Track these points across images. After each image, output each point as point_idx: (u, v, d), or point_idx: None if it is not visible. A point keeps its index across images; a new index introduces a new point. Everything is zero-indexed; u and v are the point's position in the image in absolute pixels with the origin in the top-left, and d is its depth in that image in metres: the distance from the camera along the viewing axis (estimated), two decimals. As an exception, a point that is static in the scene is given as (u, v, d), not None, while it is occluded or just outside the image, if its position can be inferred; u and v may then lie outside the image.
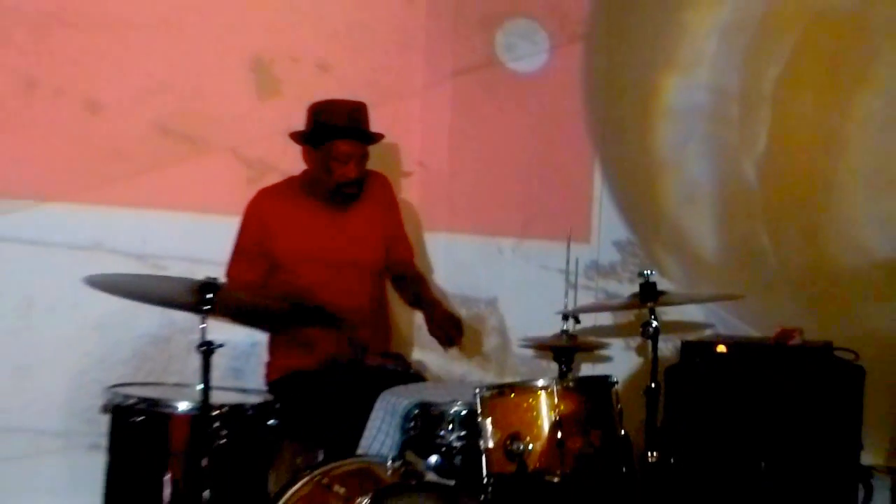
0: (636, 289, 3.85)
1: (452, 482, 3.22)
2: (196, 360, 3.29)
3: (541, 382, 3.44)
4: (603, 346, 4.74)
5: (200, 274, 3.34)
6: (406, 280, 4.33)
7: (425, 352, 4.45)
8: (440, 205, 4.91)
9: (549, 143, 5.11)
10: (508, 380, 4.32)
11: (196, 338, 3.28)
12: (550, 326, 4.32)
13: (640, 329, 3.81)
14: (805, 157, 4.92)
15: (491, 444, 3.32)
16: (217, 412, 3.40)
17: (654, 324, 3.77)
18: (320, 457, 3.74)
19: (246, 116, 4.56)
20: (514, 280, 5.04)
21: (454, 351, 4.05)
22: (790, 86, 4.86)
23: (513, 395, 3.42)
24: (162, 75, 4.41)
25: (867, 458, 4.52)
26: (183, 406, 3.48)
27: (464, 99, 4.98)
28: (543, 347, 4.49)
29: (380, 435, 3.48)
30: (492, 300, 5.03)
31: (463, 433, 3.40)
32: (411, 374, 4.11)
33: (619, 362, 4.87)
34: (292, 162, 4.27)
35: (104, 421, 3.57)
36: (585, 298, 4.97)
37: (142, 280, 3.57)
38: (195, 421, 3.40)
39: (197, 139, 4.48)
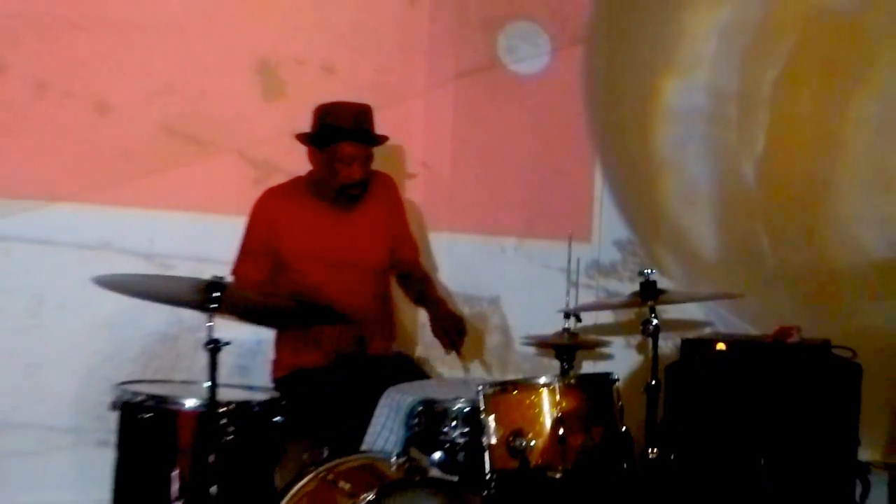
0: (637, 287, 3.85)
1: (456, 478, 3.23)
2: (203, 358, 3.30)
3: (543, 380, 3.44)
4: (604, 343, 4.74)
5: (207, 273, 3.35)
6: (411, 279, 4.34)
7: (429, 349, 4.45)
8: (443, 205, 4.91)
9: (550, 143, 5.12)
10: (511, 377, 4.32)
11: (203, 336, 3.29)
12: (552, 325, 4.31)
13: (641, 327, 3.81)
14: (803, 158, 4.92)
15: (494, 441, 3.32)
16: (224, 409, 3.41)
17: (655, 322, 3.76)
18: (326, 453, 3.74)
19: (252, 118, 4.56)
20: (516, 279, 5.05)
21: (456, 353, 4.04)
22: (788, 88, 4.86)
23: (515, 392, 3.42)
24: (169, 77, 4.41)
25: (865, 454, 4.52)
26: (190, 403, 3.49)
27: (466, 100, 4.98)
28: (545, 345, 4.50)
29: (384, 431, 3.49)
30: (494, 299, 5.03)
31: (466, 430, 3.41)
32: (416, 371, 4.13)
33: (620, 360, 4.88)
34: (297, 163, 4.27)
35: (113, 418, 3.57)
36: (586, 297, 4.98)
37: (150, 280, 3.58)
38: (202, 418, 3.41)
39: (203, 140, 4.48)
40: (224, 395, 3.41)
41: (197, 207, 4.43)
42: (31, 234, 4.20)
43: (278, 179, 4.39)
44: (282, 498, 3.25)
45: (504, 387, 3.43)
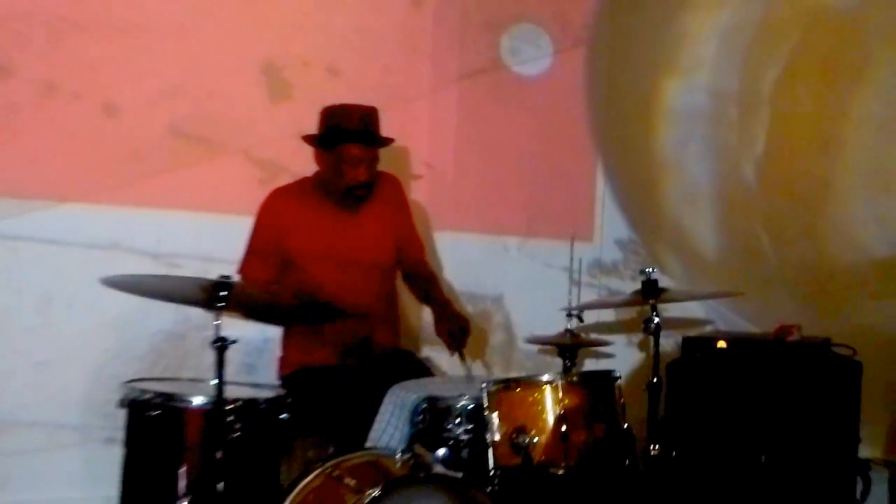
0: (638, 286, 3.85)
1: (460, 474, 3.23)
2: (210, 356, 3.30)
3: (546, 377, 3.45)
4: (606, 342, 4.73)
5: (214, 272, 3.35)
6: (417, 278, 4.33)
7: (434, 348, 4.44)
8: (447, 204, 4.91)
9: (552, 144, 5.12)
10: (514, 374, 4.31)
11: (210, 334, 3.28)
12: (554, 323, 4.32)
13: (642, 325, 3.81)
14: (803, 158, 4.91)
15: (497, 437, 3.32)
16: (231, 406, 3.40)
17: (656, 320, 3.76)
18: (331, 450, 3.74)
19: (258, 119, 4.56)
20: (519, 278, 5.05)
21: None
22: (788, 88, 4.86)
23: (518, 389, 3.42)
24: (177, 79, 4.40)
25: (865, 452, 4.52)
26: (197, 400, 3.47)
27: (470, 102, 4.97)
28: (548, 344, 4.49)
29: (389, 428, 3.49)
30: (497, 297, 5.03)
31: (470, 426, 3.41)
32: (420, 369, 4.13)
33: (622, 358, 4.88)
34: (303, 163, 4.27)
35: (121, 415, 3.56)
36: (589, 295, 5.00)
37: (158, 280, 3.58)
38: (209, 415, 3.40)
39: (210, 141, 4.48)
40: (231, 392, 3.40)
41: (204, 207, 4.42)
42: (39, 234, 4.20)
43: (284, 180, 4.39)
44: (288, 494, 3.24)
45: (507, 384, 3.43)
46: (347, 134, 4.08)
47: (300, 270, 4.11)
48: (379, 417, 3.53)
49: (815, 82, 4.84)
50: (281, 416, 3.57)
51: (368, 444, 3.50)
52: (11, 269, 4.17)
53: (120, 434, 3.58)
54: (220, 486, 3.28)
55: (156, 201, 4.36)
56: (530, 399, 3.40)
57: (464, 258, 4.91)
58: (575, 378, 3.52)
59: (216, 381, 3.28)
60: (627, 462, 3.50)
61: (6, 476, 4.09)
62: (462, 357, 3.93)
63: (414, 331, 4.71)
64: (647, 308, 3.79)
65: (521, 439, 3.31)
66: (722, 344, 4.47)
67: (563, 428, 3.36)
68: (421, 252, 4.44)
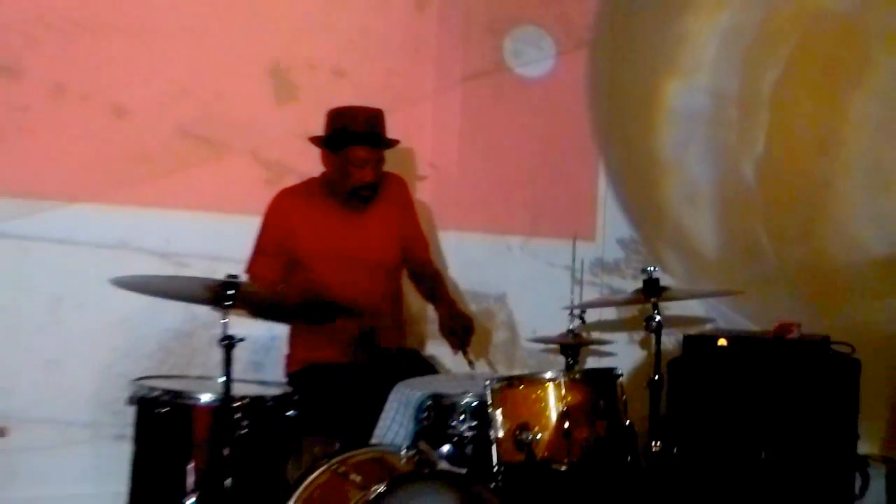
0: (640, 285, 3.84)
1: (464, 470, 3.22)
2: (218, 354, 3.30)
3: (549, 375, 3.45)
4: (608, 341, 4.73)
5: (221, 270, 3.36)
6: (423, 276, 4.34)
7: (438, 346, 4.44)
8: (451, 204, 4.91)
9: (555, 145, 5.11)
10: (517, 372, 4.30)
11: (218, 332, 3.29)
12: (557, 321, 4.31)
13: (644, 323, 3.81)
14: (802, 158, 4.91)
15: (501, 434, 3.32)
16: (238, 403, 3.41)
17: (657, 318, 3.76)
18: (337, 446, 3.74)
19: (265, 120, 4.56)
20: (522, 276, 5.04)
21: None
22: (788, 89, 4.85)
23: (522, 386, 3.42)
24: (184, 81, 4.40)
25: (863, 448, 4.52)
26: (205, 398, 3.48)
27: (473, 103, 4.97)
28: (551, 342, 4.49)
29: (394, 425, 3.49)
30: (501, 296, 5.03)
31: (474, 423, 3.41)
32: (425, 366, 4.13)
33: (624, 355, 4.88)
34: (309, 164, 4.27)
35: (130, 412, 3.57)
36: (591, 294, 4.99)
37: (166, 280, 3.59)
38: (217, 412, 3.40)
39: (218, 142, 4.48)
40: (238, 389, 3.40)
41: (211, 207, 4.42)
42: (49, 234, 4.20)
43: (290, 180, 4.39)
44: (294, 490, 3.24)
45: (511, 382, 3.43)
46: (354, 136, 4.08)
47: (307, 270, 4.11)
48: (384, 414, 3.53)
49: (815, 84, 4.84)
50: (287, 413, 3.57)
51: (374, 440, 3.50)
52: (22, 269, 4.18)
53: (129, 431, 3.59)
54: (228, 482, 3.29)
55: (164, 201, 4.36)
56: (533, 396, 3.40)
57: (468, 257, 4.91)
58: (577, 376, 3.52)
59: (224, 378, 3.29)
60: (629, 458, 3.50)
61: (18, 472, 4.09)
62: (466, 355, 3.93)
63: (419, 329, 4.70)
64: (649, 306, 3.79)
65: (524, 436, 3.31)
66: (722, 342, 4.46)
67: (566, 425, 3.36)
68: (426, 251, 4.44)
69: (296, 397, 3.63)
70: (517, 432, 3.32)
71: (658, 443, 3.70)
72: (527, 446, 3.30)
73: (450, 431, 3.42)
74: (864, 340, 4.46)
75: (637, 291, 3.87)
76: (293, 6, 4.61)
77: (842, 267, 4.87)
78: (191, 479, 3.43)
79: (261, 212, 4.15)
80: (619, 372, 3.58)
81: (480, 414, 3.39)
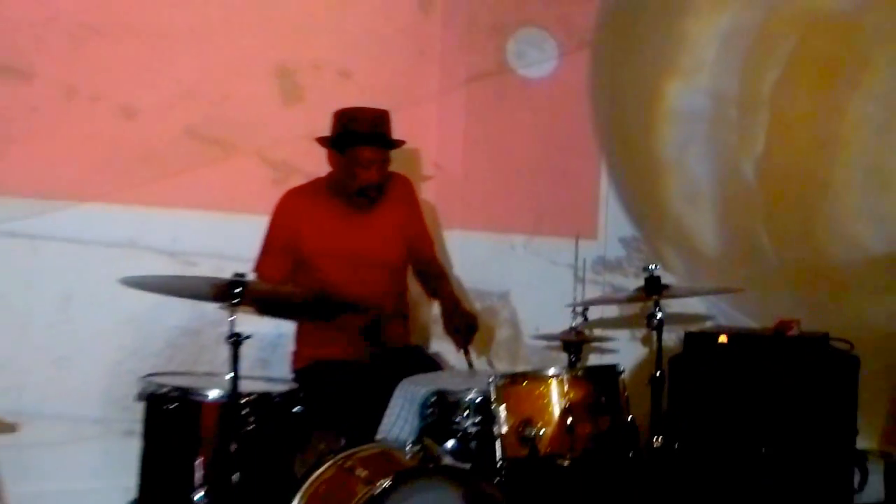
0: (641, 282, 3.84)
1: (468, 466, 3.23)
2: (225, 351, 3.31)
3: (552, 371, 3.45)
4: (610, 338, 4.73)
5: (229, 269, 3.37)
6: (428, 275, 4.34)
7: (443, 343, 4.44)
8: (455, 204, 4.90)
9: (557, 145, 5.11)
10: (521, 369, 4.31)
11: (225, 330, 3.29)
12: (560, 319, 4.31)
13: (646, 321, 3.81)
14: (802, 158, 4.89)
15: (504, 430, 3.32)
16: (245, 400, 3.40)
17: (659, 316, 3.76)
18: (343, 442, 3.73)
19: (271, 121, 4.56)
20: (525, 275, 5.04)
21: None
22: (787, 90, 4.83)
23: (525, 383, 3.42)
24: (192, 82, 4.40)
25: (862, 443, 4.51)
26: (213, 394, 3.47)
27: (477, 104, 4.97)
28: (554, 339, 4.49)
29: (399, 421, 3.48)
30: (504, 294, 5.02)
31: (478, 419, 3.41)
32: (430, 363, 4.12)
33: (626, 352, 4.87)
34: (315, 164, 4.28)
35: (139, 408, 3.57)
36: (593, 292, 4.99)
37: (175, 279, 3.59)
38: (225, 408, 3.40)
39: (225, 142, 4.48)
40: (245, 386, 3.40)
41: (219, 207, 4.42)
42: (59, 233, 4.20)
43: (297, 180, 4.39)
44: (301, 485, 3.25)
45: (514, 378, 3.44)
46: (360, 137, 4.07)
47: (313, 268, 4.11)
48: (389, 411, 3.53)
49: (814, 84, 4.82)
50: (294, 410, 3.56)
51: (379, 436, 3.50)
52: (32, 268, 4.18)
53: (138, 427, 3.59)
54: (235, 477, 3.29)
55: (172, 201, 4.36)
56: (537, 393, 3.40)
57: (472, 256, 4.90)
58: (580, 372, 3.52)
59: (231, 375, 3.29)
60: (631, 454, 3.50)
61: (29, 467, 4.09)
62: (467, 354, 3.93)
63: (424, 327, 4.70)
64: (650, 304, 3.79)
65: (527, 432, 3.31)
66: (723, 339, 4.45)
67: (569, 420, 3.36)
68: (432, 250, 4.44)
69: (302, 394, 3.62)
70: (520, 428, 3.32)
71: (659, 438, 3.70)
72: (530, 442, 3.30)
73: (454, 427, 3.42)
74: (863, 337, 4.45)
75: (639, 289, 3.87)
76: (299, 9, 4.60)
77: (841, 265, 4.85)
78: (199, 474, 3.43)
79: (267, 211, 4.15)
80: (621, 368, 3.59)
81: (484, 410, 3.39)
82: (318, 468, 3.27)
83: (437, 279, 4.30)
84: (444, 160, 4.93)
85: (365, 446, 3.35)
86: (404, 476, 3.07)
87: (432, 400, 3.44)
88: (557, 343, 4.41)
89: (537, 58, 5.08)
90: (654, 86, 5.03)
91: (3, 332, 4.13)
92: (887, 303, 4.79)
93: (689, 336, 4.59)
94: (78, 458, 4.21)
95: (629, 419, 3.51)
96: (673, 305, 4.60)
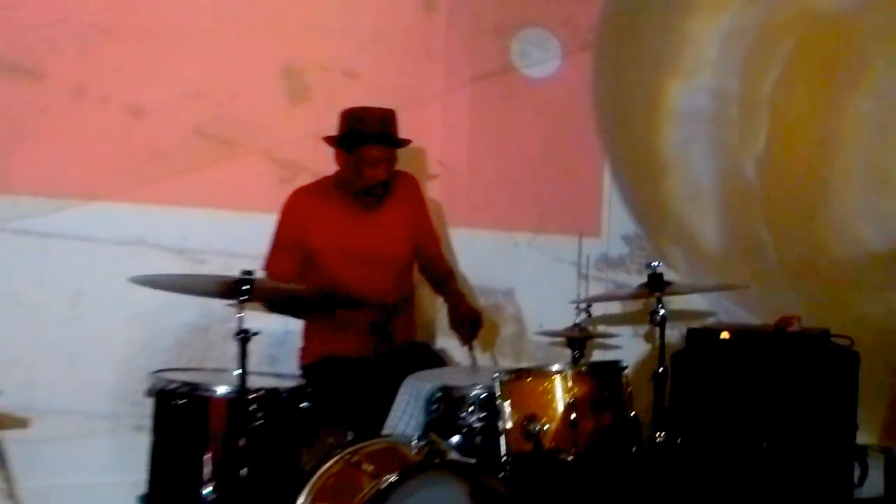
0: (644, 279, 3.83)
1: (473, 460, 3.22)
2: (233, 347, 3.31)
3: (555, 367, 3.45)
4: (613, 334, 4.72)
5: (237, 266, 3.37)
6: (433, 272, 4.35)
7: (448, 339, 4.44)
8: (460, 202, 4.89)
9: (561, 143, 5.10)
10: (525, 365, 4.30)
11: (233, 326, 3.29)
12: (564, 315, 4.31)
13: (648, 317, 3.80)
14: (802, 156, 4.89)
15: (509, 425, 3.32)
16: (253, 396, 3.40)
17: (661, 312, 3.75)
18: (350, 437, 3.73)
19: (278, 120, 4.55)
20: (529, 272, 5.03)
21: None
22: (787, 89, 4.82)
23: (529, 379, 3.42)
24: (200, 83, 4.40)
25: (862, 438, 4.51)
26: (222, 390, 3.48)
27: (481, 103, 4.96)
28: (558, 336, 4.48)
29: (405, 416, 3.48)
30: (509, 291, 5.02)
31: (483, 415, 3.41)
32: (435, 359, 4.12)
33: (629, 348, 4.86)
34: (322, 163, 4.27)
35: (148, 404, 3.57)
36: (596, 289, 4.98)
37: (184, 277, 3.59)
38: (233, 404, 3.40)
39: (233, 142, 4.47)
40: (253, 382, 3.40)
41: (227, 205, 4.42)
42: (70, 231, 4.20)
43: (303, 179, 4.39)
44: (309, 479, 3.24)
45: (519, 374, 3.43)
46: (367, 136, 4.07)
47: (321, 265, 4.11)
48: (395, 406, 3.53)
49: (814, 83, 4.81)
50: (302, 405, 3.57)
51: (385, 431, 3.50)
52: (44, 266, 4.18)
53: (148, 422, 3.59)
54: (244, 471, 3.29)
55: (181, 199, 4.36)
56: (541, 388, 3.40)
57: (477, 253, 4.90)
58: (583, 368, 3.52)
59: (239, 371, 3.29)
60: (634, 449, 3.51)
61: (40, 461, 4.09)
62: (471, 349, 3.93)
63: (429, 323, 4.70)
64: (653, 301, 3.78)
65: (532, 427, 3.31)
66: (725, 335, 4.45)
67: (573, 416, 3.36)
68: (437, 247, 4.44)
69: (309, 389, 3.62)
70: (525, 423, 3.31)
71: (662, 433, 3.69)
72: (534, 437, 3.30)
73: (459, 423, 3.42)
74: (863, 333, 4.45)
75: (641, 286, 3.86)
76: (305, 10, 4.59)
77: (841, 262, 4.85)
78: (207, 469, 3.43)
79: (275, 209, 4.15)
80: (624, 364, 3.59)
81: (489, 405, 3.39)
82: (325, 463, 3.27)
83: (442, 276, 4.31)
84: (449, 159, 4.93)
85: (372, 441, 3.35)
86: (410, 470, 3.07)
87: (438, 396, 3.44)
88: (561, 339, 4.40)
89: (541, 57, 5.07)
90: (657, 85, 5.02)
91: (14, 328, 4.13)
92: (887, 299, 4.78)
93: (691, 332, 4.59)
94: (88, 453, 4.21)
95: (632, 414, 3.51)
96: (675, 302, 4.59)
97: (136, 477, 3.61)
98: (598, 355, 4.88)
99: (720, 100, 4.96)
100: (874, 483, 4.63)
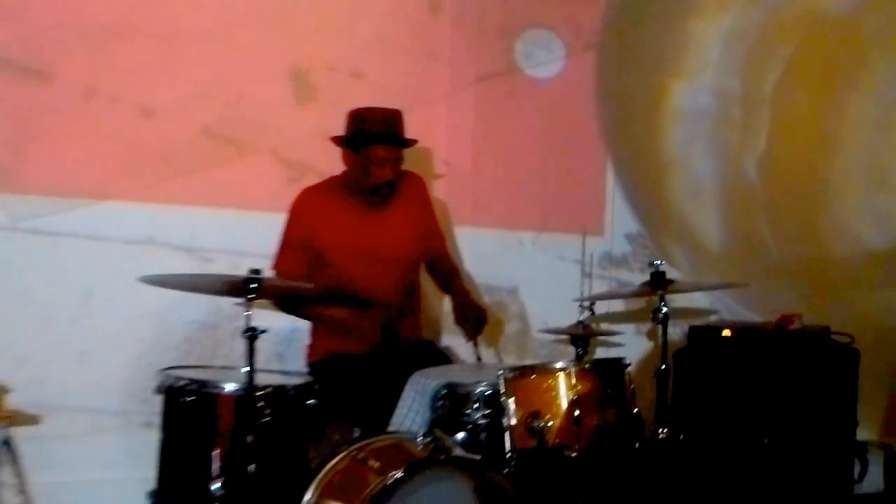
0: (647, 278, 3.83)
1: (478, 457, 3.22)
2: (241, 345, 3.31)
3: (559, 364, 3.45)
4: (616, 332, 4.72)
5: (244, 265, 3.38)
6: (439, 269, 4.34)
7: (454, 337, 4.44)
8: (465, 201, 4.89)
9: (564, 143, 5.10)
10: (529, 362, 4.29)
11: (241, 324, 3.29)
12: (567, 313, 4.30)
13: (651, 315, 3.79)
14: (803, 156, 4.88)
15: (513, 422, 3.32)
16: (261, 393, 3.40)
17: (664, 310, 3.74)
18: (356, 433, 3.73)
19: (285, 121, 4.55)
20: (533, 270, 5.03)
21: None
22: (788, 89, 4.82)
23: (533, 376, 3.42)
24: (209, 83, 4.40)
25: (862, 434, 4.51)
26: (230, 387, 3.48)
27: (486, 103, 4.96)
28: (561, 333, 4.48)
29: (411, 413, 3.48)
30: (513, 289, 5.02)
31: (488, 411, 3.40)
32: (440, 357, 4.12)
33: (632, 346, 4.84)
34: (328, 162, 4.28)
35: (158, 401, 3.58)
36: (600, 287, 4.98)
37: (193, 277, 3.60)
38: (241, 401, 3.40)
39: (241, 142, 4.47)
40: (261, 379, 3.40)
41: (235, 204, 4.42)
42: (80, 230, 4.20)
43: (310, 178, 4.39)
44: (315, 475, 3.24)
45: (523, 371, 3.43)
46: (373, 136, 4.07)
47: (329, 264, 4.10)
48: (401, 403, 3.53)
49: (815, 84, 4.81)
50: (309, 402, 3.57)
51: (391, 428, 3.50)
52: (54, 264, 4.18)
53: (157, 419, 3.60)
54: (252, 467, 3.29)
55: (189, 199, 4.36)
56: (545, 385, 3.40)
57: (481, 252, 4.90)
58: (587, 365, 3.51)
59: (247, 368, 3.29)
60: (637, 445, 3.50)
61: (51, 458, 4.09)
62: (476, 344, 3.93)
63: (435, 321, 4.70)
64: (656, 299, 3.78)
65: (536, 423, 3.30)
66: (726, 333, 4.45)
67: (576, 413, 3.35)
68: (443, 245, 4.44)
69: (316, 386, 3.62)
70: (529, 420, 3.31)
71: (665, 430, 3.69)
72: (538, 433, 3.30)
73: (464, 419, 3.42)
74: (863, 331, 4.44)
75: (644, 284, 3.86)
76: (313, 12, 4.59)
77: (841, 260, 4.84)
78: (216, 465, 3.43)
79: (282, 209, 4.15)
80: (627, 362, 3.58)
81: (494, 402, 3.38)
82: (332, 459, 3.26)
83: (448, 274, 4.30)
84: (454, 158, 4.92)
85: (378, 437, 3.34)
86: (416, 467, 3.07)
87: (443, 393, 3.44)
88: (565, 337, 4.39)
89: (545, 58, 5.06)
90: (659, 85, 5.01)
91: (25, 326, 4.13)
92: (887, 297, 4.78)
93: (693, 330, 4.58)
94: (98, 450, 4.21)
95: (635, 411, 3.50)
96: (678, 300, 4.59)
97: (146, 473, 3.61)
98: (601, 353, 4.87)
99: (722, 100, 4.95)
100: (874, 479, 4.62)
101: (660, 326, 3.77)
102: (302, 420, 3.56)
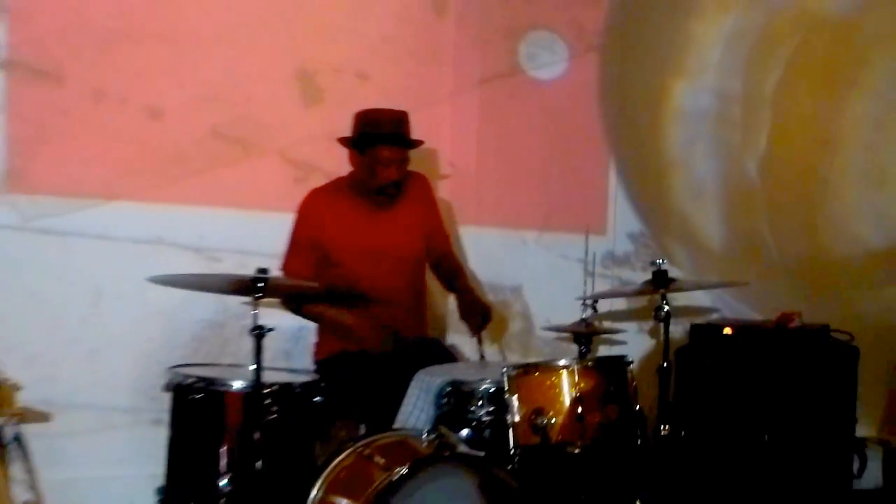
0: (649, 276, 3.82)
1: (482, 453, 3.22)
2: (249, 343, 3.31)
3: (562, 362, 3.45)
4: (618, 330, 4.72)
5: (252, 264, 3.39)
6: (444, 268, 4.34)
7: (458, 335, 4.44)
8: (470, 201, 4.89)
9: (567, 144, 5.09)
10: (533, 360, 4.29)
11: (249, 323, 3.29)
12: (570, 311, 4.30)
13: (653, 313, 3.78)
14: (803, 156, 4.87)
15: (517, 419, 3.32)
16: (268, 390, 3.41)
17: (666, 308, 3.74)
18: (362, 430, 3.74)
19: (292, 122, 4.55)
20: (536, 269, 5.03)
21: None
22: (789, 89, 4.81)
23: (537, 373, 3.42)
24: (217, 85, 4.40)
25: (861, 431, 4.50)
26: (237, 385, 3.48)
27: (490, 105, 4.95)
28: (564, 331, 4.48)
29: (415, 410, 3.49)
30: (516, 287, 5.02)
31: (491, 408, 3.41)
32: (445, 355, 4.12)
33: (634, 344, 4.85)
34: (335, 163, 4.28)
35: (167, 398, 3.59)
36: (602, 285, 4.97)
37: (200, 277, 3.60)
38: (248, 398, 3.41)
39: (248, 143, 4.47)
40: (268, 377, 3.41)
41: (243, 204, 4.42)
42: (90, 231, 4.21)
43: (317, 179, 4.39)
44: (322, 471, 3.25)
45: (526, 369, 3.43)
46: (380, 137, 4.07)
47: (337, 264, 4.10)
48: (406, 400, 3.53)
49: (815, 84, 4.80)
50: (315, 399, 3.57)
51: (397, 425, 3.50)
52: (64, 264, 4.19)
53: (166, 416, 3.60)
54: (259, 464, 3.30)
55: (197, 199, 4.36)
56: (548, 383, 3.40)
57: (485, 251, 4.90)
58: (590, 363, 3.51)
59: (254, 366, 3.29)
60: (639, 441, 3.50)
61: (61, 455, 4.10)
62: (479, 340, 3.93)
63: (440, 319, 4.70)
64: (658, 297, 3.77)
65: (539, 420, 3.30)
66: (727, 331, 4.44)
67: (579, 410, 3.35)
68: (448, 245, 4.44)
69: (323, 384, 3.63)
70: (532, 417, 3.31)
71: (666, 427, 3.68)
72: (542, 430, 3.30)
73: (469, 416, 3.42)
74: (863, 329, 4.44)
75: (646, 283, 3.85)
76: (319, 14, 4.59)
77: (841, 259, 4.84)
78: (223, 462, 3.44)
79: (289, 209, 4.15)
80: (630, 359, 3.58)
81: (498, 399, 3.39)
82: (338, 455, 3.27)
83: (453, 273, 4.30)
84: (459, 159, 4.92)
85: (383, 434, 3.34)
86: (421, 463, 3.07)
87: (447, 390, 3.44)
88: (568, 335, 4.40)
89: (548, 60, 5.06)
90: (661, 86, 5.01)
91: (36, 325, 4.14)
92: (886, 295, 4.77)
93: (694, 328, 4.58)
94: (108, 447, 4.22)
95: (637, 408, 3.50)
96: (679, 298, 4.57)
97: (155, 469, 3.62)
98: (603, 350, 4.88)
99: (723, 100, 4.95)
100: (872, 475, 4.62)
101: (661, 324, 3.76)
102: (308, 417, 3.56)
